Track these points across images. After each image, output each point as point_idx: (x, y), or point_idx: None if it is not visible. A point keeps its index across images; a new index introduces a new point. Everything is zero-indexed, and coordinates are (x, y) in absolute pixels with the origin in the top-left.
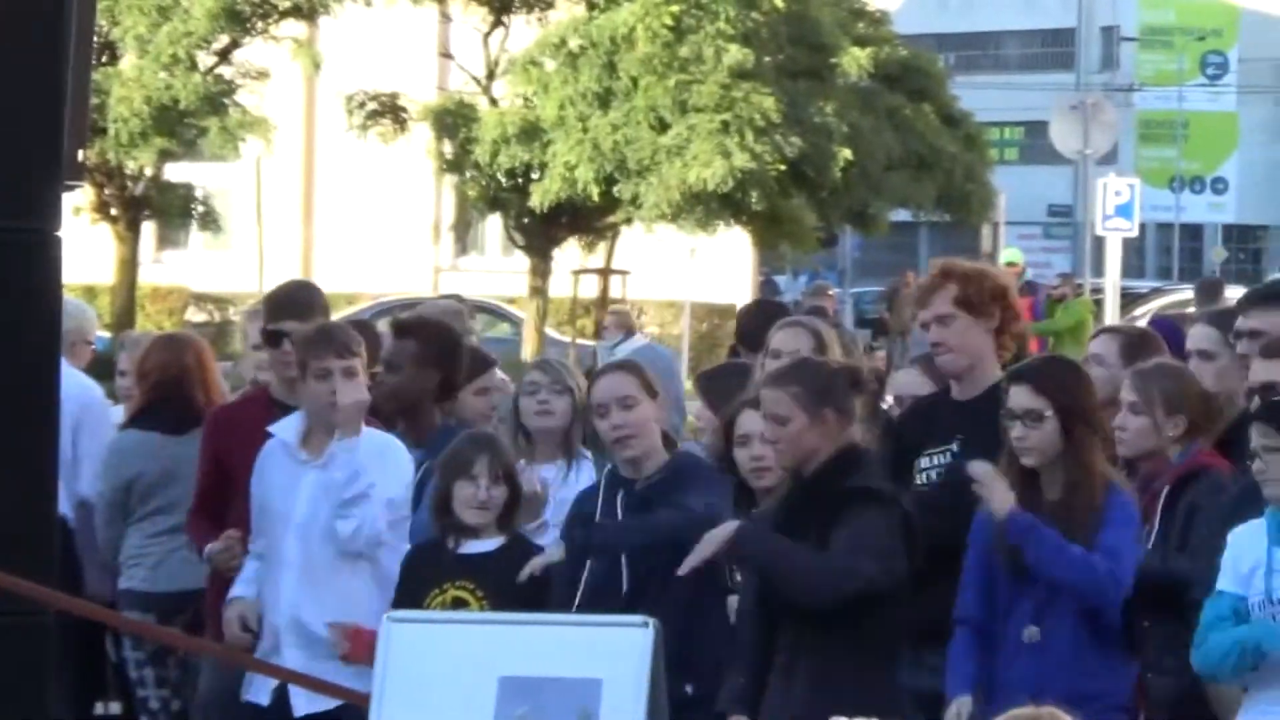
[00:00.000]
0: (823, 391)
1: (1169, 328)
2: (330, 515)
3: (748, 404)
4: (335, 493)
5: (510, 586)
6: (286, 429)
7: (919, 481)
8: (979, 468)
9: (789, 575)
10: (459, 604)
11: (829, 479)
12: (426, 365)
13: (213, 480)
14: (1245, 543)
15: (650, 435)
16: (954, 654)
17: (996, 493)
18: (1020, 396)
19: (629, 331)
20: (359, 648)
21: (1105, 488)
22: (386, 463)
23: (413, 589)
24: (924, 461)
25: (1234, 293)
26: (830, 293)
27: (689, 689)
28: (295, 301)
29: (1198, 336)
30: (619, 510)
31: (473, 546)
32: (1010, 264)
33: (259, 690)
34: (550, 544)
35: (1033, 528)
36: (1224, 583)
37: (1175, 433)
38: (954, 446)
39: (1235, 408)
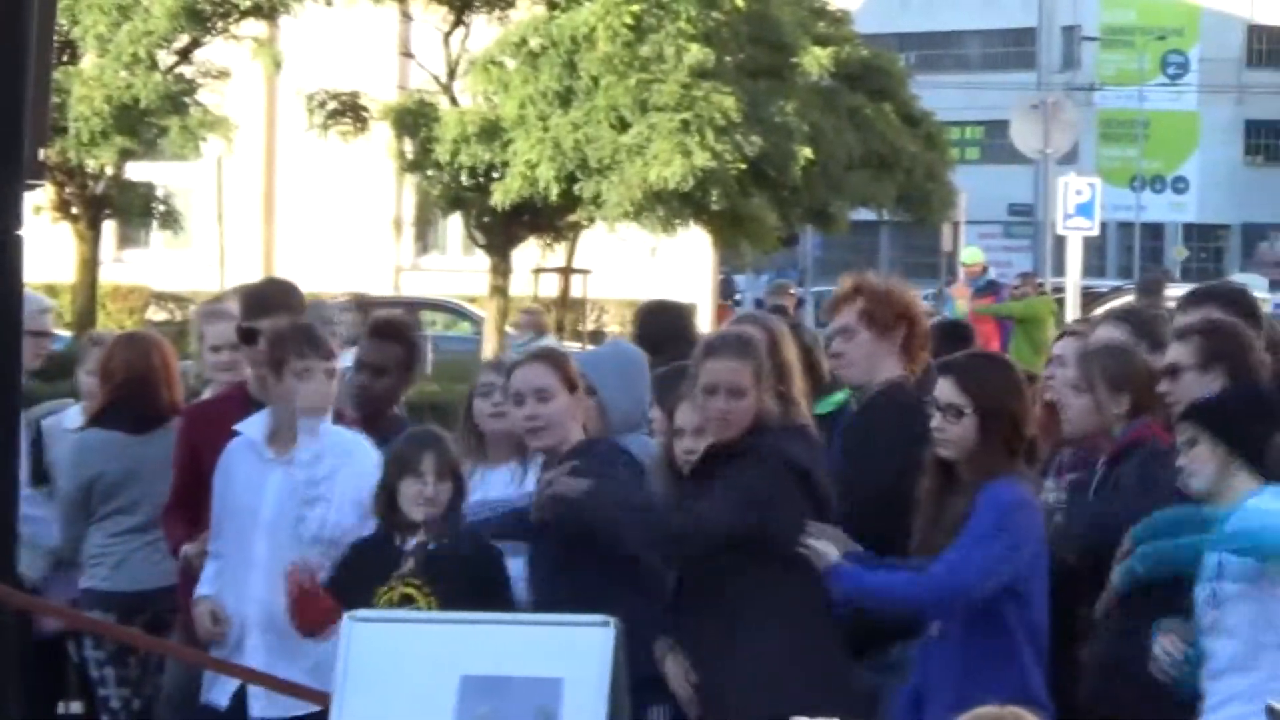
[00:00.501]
0: (761, 363)
1: None
2: (297, 513)
3: (684, 398)
4: (301, 491)
5: (457, 584)
6: (253, 427)
7: None
8: (810, 533)
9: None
10: (407, 600)
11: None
12: (408, 369)
13: (189, 477)
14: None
15: (565, 428)
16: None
17: (817, 549)
18: (944, 389)
19: (540, 331)
20: (309, 610)
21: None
22: (354, 460)
23: (360, 585)
24: None
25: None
26: (791, 291)
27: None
28: (272, 299)
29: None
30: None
31: (416, 543)
32: (969, 264)
33: (219, 692)
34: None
35: (854, 576)
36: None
37: (1120, 410)
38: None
39: None
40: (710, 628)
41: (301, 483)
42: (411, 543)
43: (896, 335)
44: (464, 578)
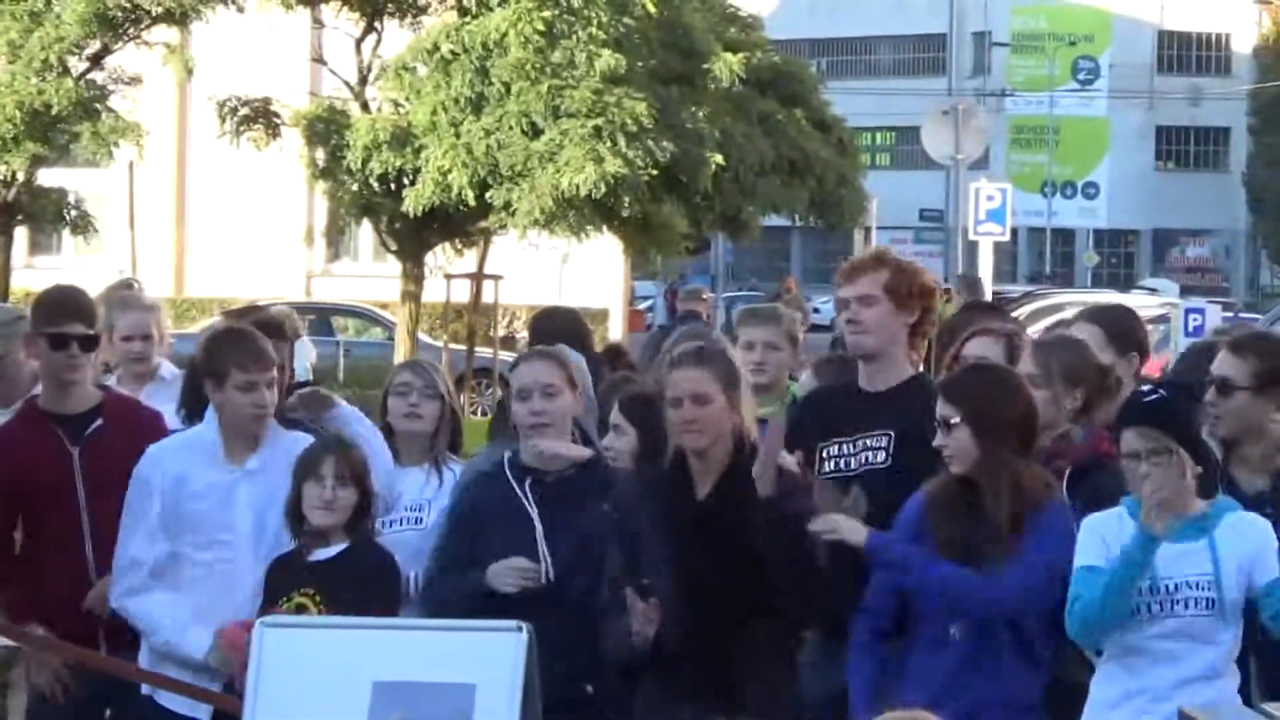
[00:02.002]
0: (730, 374)
1: None
2: (277, 522)
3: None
4: (278, 500)
5: (345, 593)
6: (205, 438)
7: (828, 468)
8: (820, 525)
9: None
10: (300, 610)
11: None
12: (282, 369)
13: None
14: (1112, 532)
15: (566, 427)
16: (856, 647)
17: (844, 529)
18: (940, 405)
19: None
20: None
21: (1029, 500)
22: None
23: (270, 597)
24: (833, 449)
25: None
26: (705, 297)
27: (589, 689)
28: (80, 304)
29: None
30: (532, 500)
31: (319, 553)
32: None
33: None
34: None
35: (888, 546)
36: (1092, 559)
37: (1074, 405)
38: (880, 437)
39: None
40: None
41: (279, 491)
42: (318, 553)
43: (913, 313)
44: (356, 587)
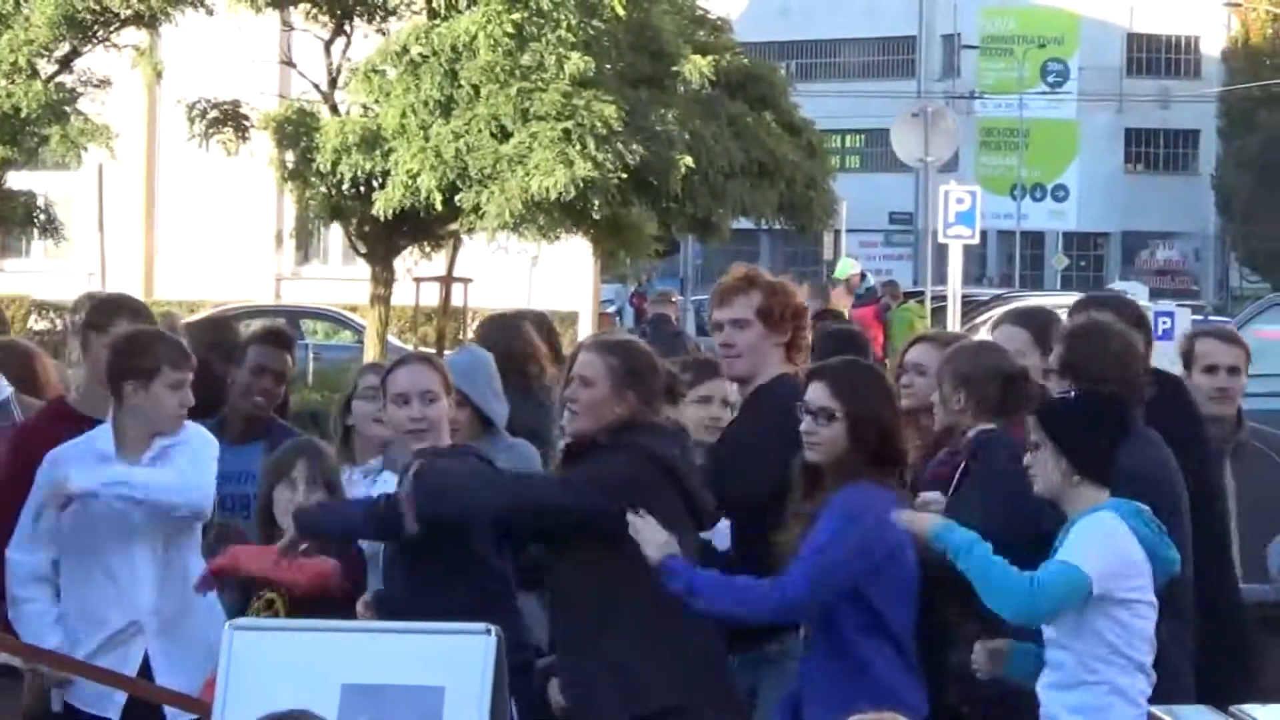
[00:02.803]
0: (635, 374)
1: None
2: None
3: None
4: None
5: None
6: (101, 441)
7: None
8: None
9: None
10: (270, 607)
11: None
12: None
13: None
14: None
15: (444, 432)
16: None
17: (645, 537)
18: (816, 393)
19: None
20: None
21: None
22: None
23: (244, 594)
24: None
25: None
26: (673, 300)
27: None
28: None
29: (1004, 337)
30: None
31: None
32: (841, 277)
33: (109, 706)
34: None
35: (685, 574)
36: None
37: (958, 408)
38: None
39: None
40: (574, 628)
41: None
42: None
43: (785, 333)
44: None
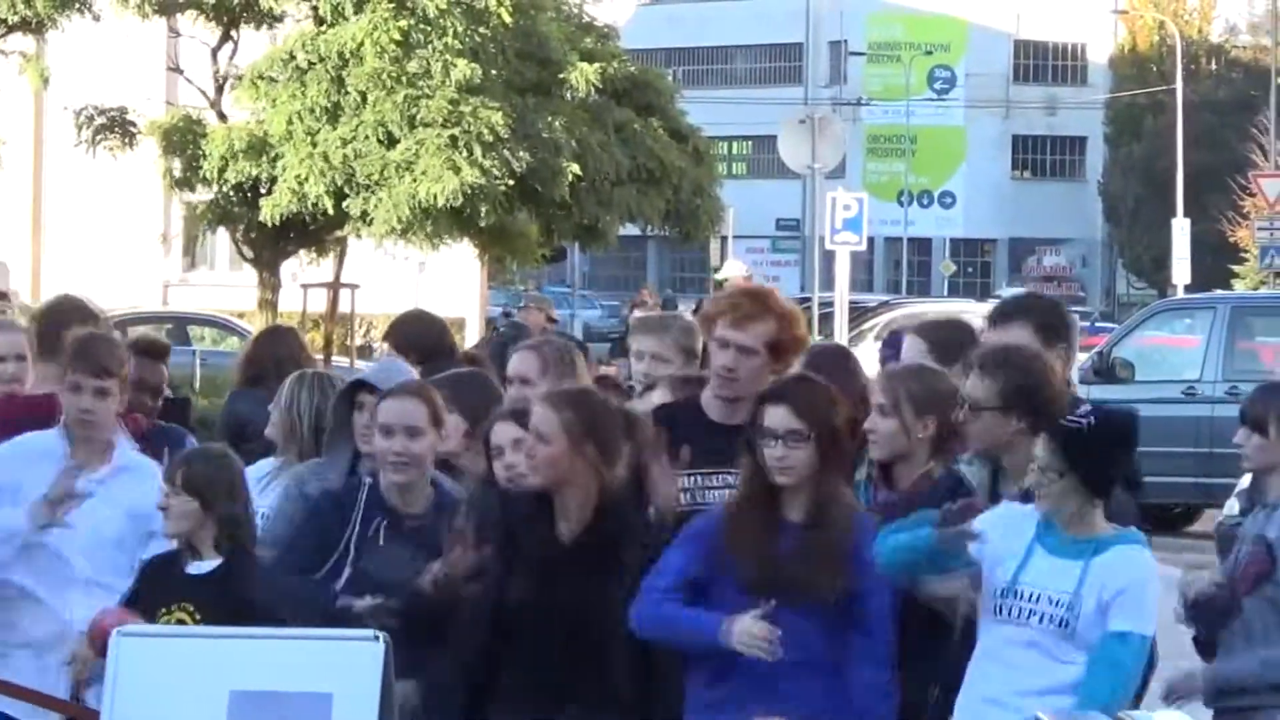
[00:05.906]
0: (591, 424)
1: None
2: (118, 533)
3: (501, 417)
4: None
5: (222, 609)
6: (51, 443)
7: (683, 501)
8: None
9: None
10: (180, 625)
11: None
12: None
13: None
14: (1014, 523)
15: (426, 467)
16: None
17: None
18: (779, 416)
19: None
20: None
21: (851, 514)
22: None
23: (147, 605)
24: (686, 481)
25: (965, 305)
26: (544, 309)
27: None
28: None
29: (909, 349)
30: (381, 535)
31: (195, 566)
32: (725, 280)
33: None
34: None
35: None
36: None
37: (925, 434)
38: (737, 475)
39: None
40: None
41: (116, 501)
42: (195, 566)
43: (786, 365)
44: (232, 601)
